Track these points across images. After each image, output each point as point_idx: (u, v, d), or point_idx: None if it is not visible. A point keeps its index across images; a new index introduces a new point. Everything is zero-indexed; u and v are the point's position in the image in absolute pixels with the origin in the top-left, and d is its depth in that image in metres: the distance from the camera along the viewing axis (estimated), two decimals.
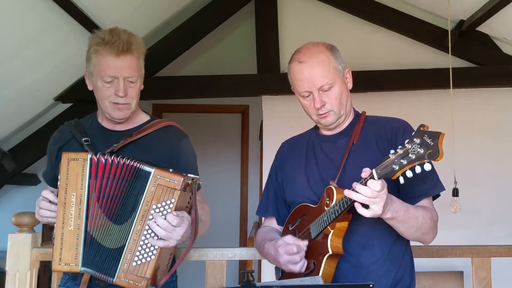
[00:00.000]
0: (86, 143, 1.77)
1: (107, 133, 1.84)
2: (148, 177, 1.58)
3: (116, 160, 1.62)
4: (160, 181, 1.57)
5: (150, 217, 1.57)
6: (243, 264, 4.42)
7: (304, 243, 1.59)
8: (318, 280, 1.44)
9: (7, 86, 3.22)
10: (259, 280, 3.97)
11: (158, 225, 1.56)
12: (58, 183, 1.65)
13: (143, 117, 1.91)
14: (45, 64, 3.28)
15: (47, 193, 1.68)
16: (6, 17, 2.71)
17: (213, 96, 4.23)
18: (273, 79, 3.83)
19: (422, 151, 1.31)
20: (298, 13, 4.04)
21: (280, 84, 3.74)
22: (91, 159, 1.63)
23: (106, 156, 1.63)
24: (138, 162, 1.61)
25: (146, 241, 1.58)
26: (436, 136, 1.31)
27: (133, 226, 1.59)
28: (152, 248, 1.59)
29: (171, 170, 1.61)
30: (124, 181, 1.62)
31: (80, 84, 3.70)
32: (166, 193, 1.57)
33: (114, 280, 1.60)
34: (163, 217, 1.57)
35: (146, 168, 1.60)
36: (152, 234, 1.58)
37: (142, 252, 1.59)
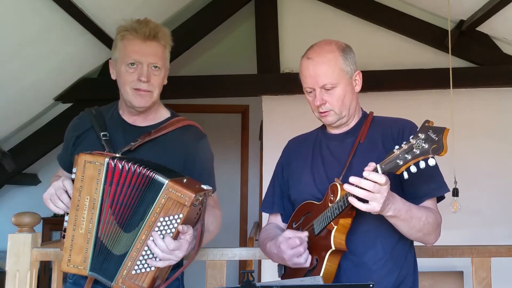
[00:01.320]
0: (104, 138, 1.75)
1: (127, 127, 1.82)
2: (160, 189, 1.54)
3: (133, 168, 1.58)
4: (171, 195, 1.53)
5: (156, 228, 1.55)
6: (243, 264, 4.42)
7: (304, 234, 1.59)
8: (318, 280, 1.44)
9: (7, 86, 3.22)
10: (259, 280, 3.97)
11: (156, 246, 1.54)
12: (73, 183, 1.62)
13: (164, 114, 1.89)
14: (45, 64, 3.28)
15: (68, 184, 1.63)
16: (6, 17, 2.71)
17: (213, 96, 4.23)
18: (273, 79, 3.83)
19: (426, 146, 1.31)
20: (298, 13, 4.04)
21: (280, 84, 3.76)
22: (108, 164, 1.59)
23: (123, 162, 1.59)
24: (153, 172, 1.56)
25: (148, 252, 1.57)
26: (440, 131, 1.31)
27: (138, 235, 1.57)
28: (153, 259, 1.57)
29: (185, 180, 1.57)
30: (137, 189, 1.58)
31: (80, 84, 3.70)
32: (175, 207, 1.54)
33: (112, 284, 1.59)
34: (162, 236, 1.54)
35: (160, 179, 1.55)
36: (152, 254, 1.57)
37: (143, 262, 1.57)
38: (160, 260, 1.56)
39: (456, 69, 3.53)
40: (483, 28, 3.60)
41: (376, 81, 3.70)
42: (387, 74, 3.78)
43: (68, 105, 3.86)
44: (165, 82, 1.85)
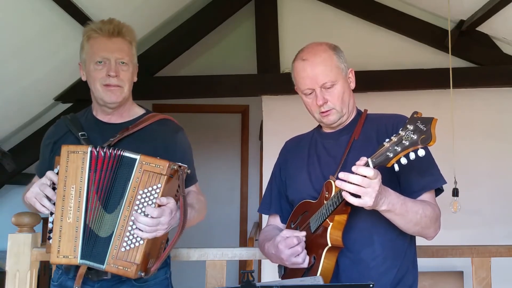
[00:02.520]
0: (82, 137, 1.78)
1: (102, 126, 1.85)
2: (134, 164, 1.60)
3: (113, 153, 1.64)
4: (146, 167, 1.59)
5: (137, 202, 1.58)
6: (243, 264, 4.42)
7: (302, 233, 1.60)
8: (318, 280, 1.44)
9: (7, 86, 3.22)
10: (259, 280, 3.97)
11: (140, 223, 1.57)
12: (57, 176, 1.65)
13: (138, 111, 1.92)
14: (45, 64, 3.28)
15: (53, 174, 1.67)
16: (6, 18, 2.71)
17: (213, 96, 4.23)
18: (273, 79, 3.83)
19: (415, 137, 1.32)
20: (298, 13, 4.05)
21: (280, 84, 3.76)
22: (91, 152, 1.64)
23: (105, 149, 1.64)
24: (123, 150, 1.63)
25: (134, 226, 1.59)
26: (428, 121, 1.31)
27: (121, 213, 1.60)
28: (139, 231, 1.59)
29: (158, 158, 1.61)
30: (114, 171, 1.63)
31: (80, 84, 3.69)
32: (152, 178, 1.58)
33: (103, 267, 1.61)
34: (143, 213, 1.57)
35: (131, 155, 1.61)
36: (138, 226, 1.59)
37: (131, 237, 1.59)
38: (147, 232, 1.58)
39: (456, 69, 3.53)
40: (483, 28, 3.60)
41: (376, 81, 3.71)
42: (387, 74, 3.78)
43: (68, 105, 3.87)
44: (135, 79, 1.87)
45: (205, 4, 4.08)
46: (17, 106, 3.50)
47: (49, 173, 1.68)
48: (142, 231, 1.58)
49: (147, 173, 1.59)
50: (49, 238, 1.66)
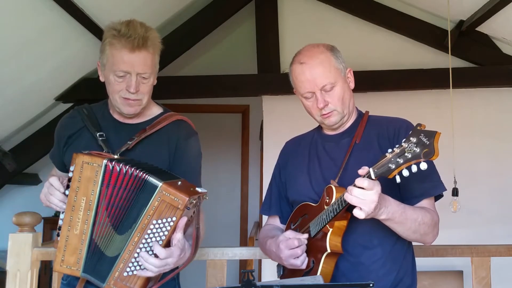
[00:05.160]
0: (101, 138, 1.73)
1: (119, 126, 1.81)
2: (154, 191, 1.53)
3: (130, 170, 1.56)
4: (165, 197, 1.52)
5: (149, 231, 1.54)
6: (243, 263, 4.43)
7: (304, 236, 1.60)
8: (319, 279, 1.45)
9: (8, 86, 3.23)
10: (259, 280, 3.98)
11: (147, 263, 1.52)
12: (70, 182, 1.60)
13: (155, 110, 1.87)
14: (46, 64, 3.28)
15: (55, 181, 1.63)
16: (7, 17, 2.72)
17: (213, 96, 4.24)
18: (273, 79, 3.84)
19: (418, 150, 1.31)
20: (298, 13, 4.05)
21: (280, 84, 3.76)
22: (105, 165, 1.57)
23: (121, 165, 1.57)
24: (147, 174, 1.55)
25: (142, 249, 1.56)
26: (432, 135, 1.31)
27: (130, 237, 1.56)
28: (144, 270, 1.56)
29: (179, 183, 1.56)
30: (131, 191, 1.56)
31: (81, 84, 3.71)
32: (168, 210, 1.53)
33: (103, 285, 1.59)
34: (151, 252, 1.53)
35: (154, 182, 1.54)
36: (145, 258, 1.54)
37: (135, 264, 1.56)
38: (152, 272, 1.54)
39: (456, 69, 3.53)
40: (483, 28, 3.60)
41: (376, 81, 3.71)
42: (387, 74, 3.79)
43: (68, 105, 3.87)
44: (155, 82, 1.79)
45: (205, 5, 4.08)
46: (17, 106, 3.51)
47: (52, 180, 1.63)
48: (146, 269, 1.53)
49: (165, 204, 1.52)
50: (58, 234, 1.63)
